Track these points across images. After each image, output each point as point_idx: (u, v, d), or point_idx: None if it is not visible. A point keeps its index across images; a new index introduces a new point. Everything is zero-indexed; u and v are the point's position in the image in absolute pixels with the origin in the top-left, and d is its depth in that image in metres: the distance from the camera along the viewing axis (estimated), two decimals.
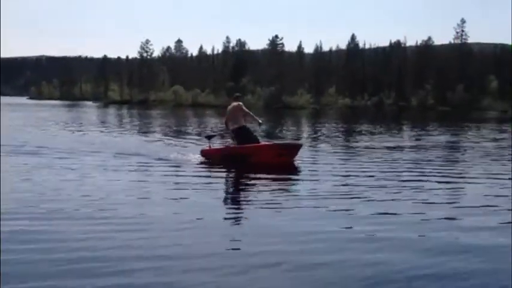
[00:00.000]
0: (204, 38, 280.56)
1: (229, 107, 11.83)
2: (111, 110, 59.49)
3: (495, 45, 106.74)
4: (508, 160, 12.84)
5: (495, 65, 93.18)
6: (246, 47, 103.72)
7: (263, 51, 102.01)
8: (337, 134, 23.41)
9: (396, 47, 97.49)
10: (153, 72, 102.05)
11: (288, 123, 32.53)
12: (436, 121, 37.78)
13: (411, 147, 15.98)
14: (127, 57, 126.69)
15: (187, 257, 4.73)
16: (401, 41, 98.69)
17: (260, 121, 11.92)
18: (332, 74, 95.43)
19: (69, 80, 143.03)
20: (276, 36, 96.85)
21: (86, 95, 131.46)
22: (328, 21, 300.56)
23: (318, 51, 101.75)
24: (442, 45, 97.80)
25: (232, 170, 10.51)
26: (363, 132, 24.13)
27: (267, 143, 12.34)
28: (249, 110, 11.89)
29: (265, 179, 9.47)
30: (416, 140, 19.12)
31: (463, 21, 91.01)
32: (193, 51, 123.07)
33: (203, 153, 11.99)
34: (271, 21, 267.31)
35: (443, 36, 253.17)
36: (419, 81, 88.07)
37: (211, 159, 11.60)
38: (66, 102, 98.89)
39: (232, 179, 10.06)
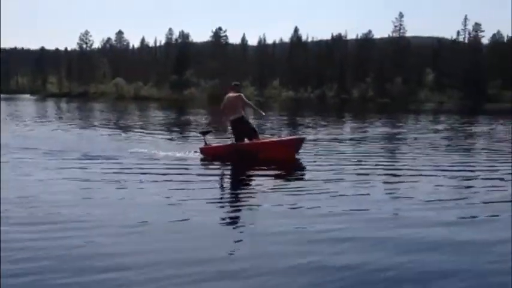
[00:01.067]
0: (146, 29, 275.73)
1: (228, 96, 11.11)
2: (51, 103, 57.64)
3: (432, 39, 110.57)
4: (454, 151, 13.21)
5: (432, 58, 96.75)
6: (190, 39, 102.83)
7: (207, 43, 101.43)
8: (282, 126, 23.60)
9: (338, 40, 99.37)
10: (93, 64, 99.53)
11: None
12: (377, 113, 38.75)
13: (359, 139, 16.23)
14: (66, 48, 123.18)
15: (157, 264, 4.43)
16: (343, 34, 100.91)
17: (263, 113, 11.55)
18: (276, 67, 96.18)
19: (4, 73, 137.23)
20: (220, 29, 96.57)
21: (23, 88, 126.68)
22: (271, 14, 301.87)
23: (262, 43, 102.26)
24: (382, 39, 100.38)
25: (236, 167, 10.02)
26: (309, 124, 24.46)
27: (280, 138, 11.95)
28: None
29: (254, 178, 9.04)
30: (362, 132, 19.50)
31: (401, 15, 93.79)
32: (135, 43, 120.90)
33: (204, 151, 11.18)
34: (214, 13, 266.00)
35: (382, 30, 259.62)
36: (360, 74, 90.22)
37: (213, 157, 10.75)
38: (2, 96, 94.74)
39: (236, 176, 9.51)
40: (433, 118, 32.15)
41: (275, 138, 12.17)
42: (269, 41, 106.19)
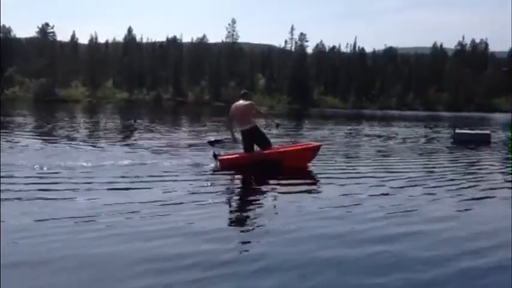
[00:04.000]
0: None
1: (236, 104, 10.38)
2: None
3: (262, 46, 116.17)
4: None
5: (262, 64, 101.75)
6: (12, 34, 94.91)
7: (32, 39, 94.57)
8: (115, 129, 22.75)
9: (173, 42, 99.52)
10: None
11: (62, 117, 30.54)
12: (214, 116, 39.23)
13: (201, 146, 15.11)
14: None
15: None
16: (178, 37, 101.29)
17: (278, 123, 10.94)
18: (109, 67, 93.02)
19: None
20: (47, 24, 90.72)
21: None
22: (103, 12, 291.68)
23: (93, 42, 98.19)
24: (216, 44, 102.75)
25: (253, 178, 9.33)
26: (142, 127, 23.89)
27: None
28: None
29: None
30: (198, 139, 18.94)
31: (233, 21, 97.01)
32: None
33: (223, 162, 10.21)
34: (42, 7, 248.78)
35: (216, 35, 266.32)
36: (195, 77, 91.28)
37: (232, 167, 9.90)
38: None
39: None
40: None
41: (298, 145, 11.59)
42: (101, 40, 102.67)
